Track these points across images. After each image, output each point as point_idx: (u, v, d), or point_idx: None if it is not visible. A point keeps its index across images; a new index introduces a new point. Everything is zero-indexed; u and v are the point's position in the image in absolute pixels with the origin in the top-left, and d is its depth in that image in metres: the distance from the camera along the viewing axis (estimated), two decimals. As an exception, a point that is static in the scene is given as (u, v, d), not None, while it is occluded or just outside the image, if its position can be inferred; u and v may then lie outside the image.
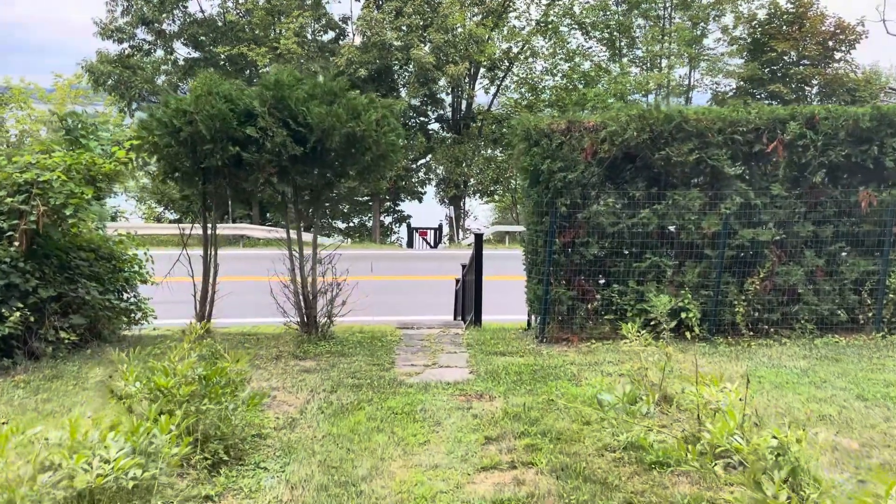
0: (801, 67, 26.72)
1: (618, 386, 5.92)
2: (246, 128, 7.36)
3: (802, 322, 8.17)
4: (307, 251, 8.31)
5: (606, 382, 6.16)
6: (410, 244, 27.11)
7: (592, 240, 8.22)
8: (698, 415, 4.59)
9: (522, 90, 28.29)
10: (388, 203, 30.04)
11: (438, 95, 28.06)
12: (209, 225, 8.25)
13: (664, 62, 28.28)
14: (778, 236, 8.06)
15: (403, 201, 30.21)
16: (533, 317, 8.84)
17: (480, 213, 34.46)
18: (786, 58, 26.87)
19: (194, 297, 8.23)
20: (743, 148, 8.04)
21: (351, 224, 30.94)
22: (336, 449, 4.73)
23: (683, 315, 8.01)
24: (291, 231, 8.34)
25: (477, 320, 9.74)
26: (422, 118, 29.31)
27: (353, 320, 13.10)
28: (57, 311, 7.49)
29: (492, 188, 28.87)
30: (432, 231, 27.23)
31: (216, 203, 8.39)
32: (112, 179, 7.80)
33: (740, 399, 4.31)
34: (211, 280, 8.20)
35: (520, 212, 29.07)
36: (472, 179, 28.05)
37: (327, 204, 8.22)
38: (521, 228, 26.93)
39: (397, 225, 30.62)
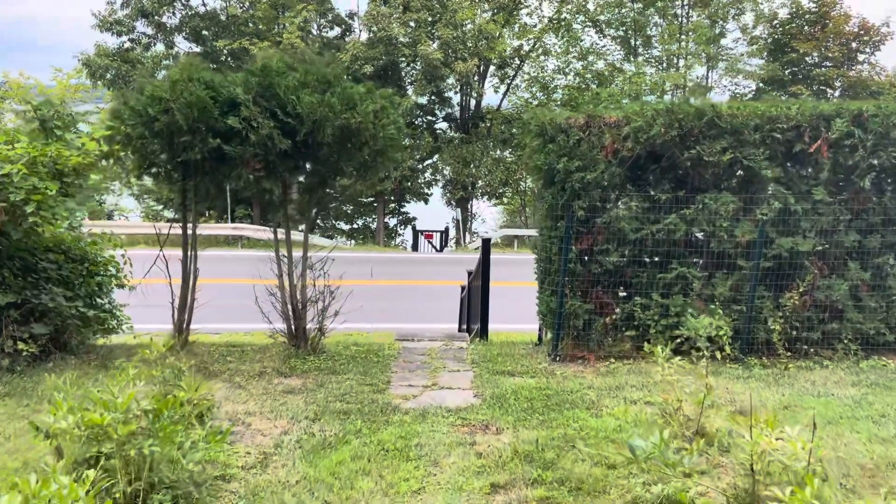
0: (823, 69, 25.80)
1: (644, 418, 5.12)
2: (228, 118, 6.59)
3: (845, 342, 7.33)
4: (298, 254, 7.53)
5: (631, 413, 5.35)
6: (415, 247, 26.34)
7: (612, 247, 7.42)
8: (751, 465, 3.78)
9: (533, 89, 27.45)
10: (393, 204, 29.24)
11: (446, 94, 27.26)
12: (189, 225, 7.48)
13: (681, 62, 27.40)
14: (819, 246, 7.23)
15: (409, 203, 29.39)
16: (545, 331, 8.03)
17: (488, 216, 33.67)
18: (807, 59, 25.96)
19: (171, 304, 7.47)
20: (782, 147, 7.21)
21: (355, 226, 30.19)
22: (310, 500, 3.94)
23: (713, 332, 7.18)
24: (280, 232, 7.57)
25: (483, 333, 8.94)
26: (429, 117, 28.51)
27: (350, 328, 12.31)
28: (17, 319, 6.74)
29: (500, 190, 28.03)
30: (438, 234, 26.47)
31: (198, 201, 7.64)
32: (80, 174, 7.04)
33: (806, 449, 3.51)
34: (191, 286, 7.43)
35: (530, 215, 28.25)
36: (480, 181, 27.22)
37: (319, 204, 7.47)
38: (530, 232, 26.11)
39: (402, 227, 29.83)
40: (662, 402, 4.70)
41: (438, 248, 25.95)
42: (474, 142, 26.55)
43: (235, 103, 6.73)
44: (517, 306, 13.23)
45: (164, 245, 7.36)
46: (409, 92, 26.15)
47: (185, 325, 7.45)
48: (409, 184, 27.24)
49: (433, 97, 27.26)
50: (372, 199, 27.61)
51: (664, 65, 27.91)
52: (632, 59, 27.93)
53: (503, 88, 28.40)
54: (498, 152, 27.77)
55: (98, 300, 7.83)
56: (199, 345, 8.01)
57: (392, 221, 29.91)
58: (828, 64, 26.21)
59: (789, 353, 7.29)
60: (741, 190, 7.34)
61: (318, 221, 29.60)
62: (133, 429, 3.55)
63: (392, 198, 27.94)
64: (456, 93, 27.75)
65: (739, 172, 7.30)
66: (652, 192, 7.41)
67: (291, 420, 5.28)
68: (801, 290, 7.20)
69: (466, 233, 27.43)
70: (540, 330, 8.41)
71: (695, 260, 7.46)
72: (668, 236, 7.35)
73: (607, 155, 7.33)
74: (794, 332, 7.31)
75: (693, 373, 5.04)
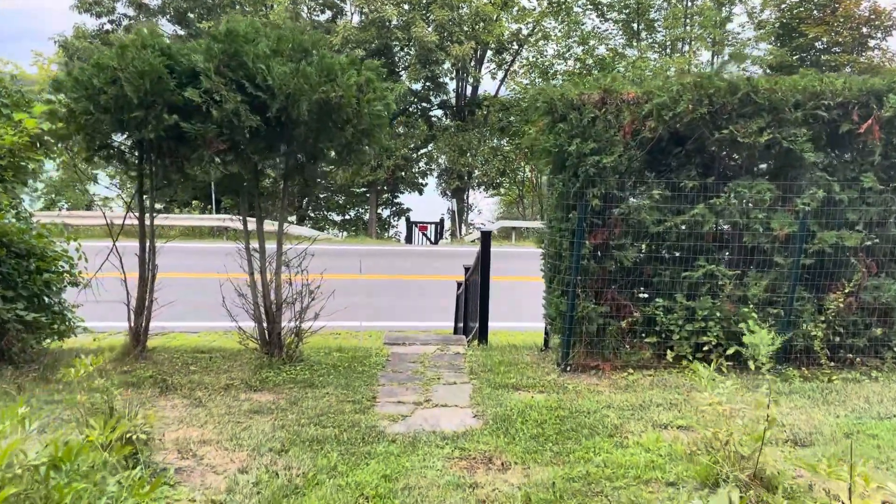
0: (832, 54, 24.85)
1: (681, 450, 4.21)
2: (186, 90, 5.63)
3: (895, 350, 6.45)
4: (272, 247, 6.59)
5: (664, 443, 4.44)
6: (409, 239, 25.38)
7: (631, 241, 6.50)
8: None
9: (532, 75, 26.40)
10: (387, 195, 28.22)
11: (441, 79, 26.20)
12: (147, 215, 6.51)
13: (685, 47, 26.38)
14: (868, 241, 6.33)
15: (403, 193, 28.38)
16: (552, 336, 7.11)
17: (485, 208, 32.70)
18: (817, 44, 25.02)
19: (127, 306, 6.52)
20: (826, 128, 6.29)
21: (347, 217, 29.16)
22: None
23: (747, 340, 6.27)
24: (250, 222, 6.62)
25: (482, 336, 8.02)
26: (423, 104, 27.45)
27: (337, 326, 11.42)
28: (-58, 324, 5.80)
29: (498, 180, 27.04)
30: (433, 226, 25.51)
31: (158, 187, 6.66)
32: (17, 155, 6.08)
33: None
34: (149, 285, 6.48)
35: (528, 206, 27.33)
36: (476, 170, 26.23)
37: (300, 193, 6.58)
38: (528, 224, 25.15)
39: (395, 218, 28.85)
40: (710, 437, 3.78)
41: (433, 240, 25.00)
42: (471, 130, 25.54)
43: (196, 73, 5.77)
44: (517, 303, 12.37)
45: (115, 238, 6.41)
46: (403, 77, 25.13)
47: (142, 330, 6.51)
48: (403, 173, 26.22)
49: (428, 83, 26.20)
50: (365, 189, 26.58)
51: (668, 50, 26.91)
52: (634, 43, 26.90)
53: (501, 74, 27.38)
54: (495, 141, 26.76)
55: (45, 300, 6.87)
56: (160, 351, 7.08)
57: (385, 212, 28.91)
58: (837, 49, 25.28)
59: (832, 363, 6.41)
60: (778, 176, 6.42)
61: (310, 212, 28.63)
62: (19, 491, 2.62)
63: (385, 188, 26.90)
64: (452, 79, 26.71)
65: (777, 156, 6.38)
66: (676, 179, 6.49)
67: (253, 452, 4.35)
68: (846, 290, 6.30)
69: (462, 224, 26.46)
70: (546, 334, 7.50)
71: (724, 256, 6.56)
72: (694, 229, 6.44)
73: (625, 136, 6.41)
74: (837, 339, 6.42)
75: (726, 380, 4.14)
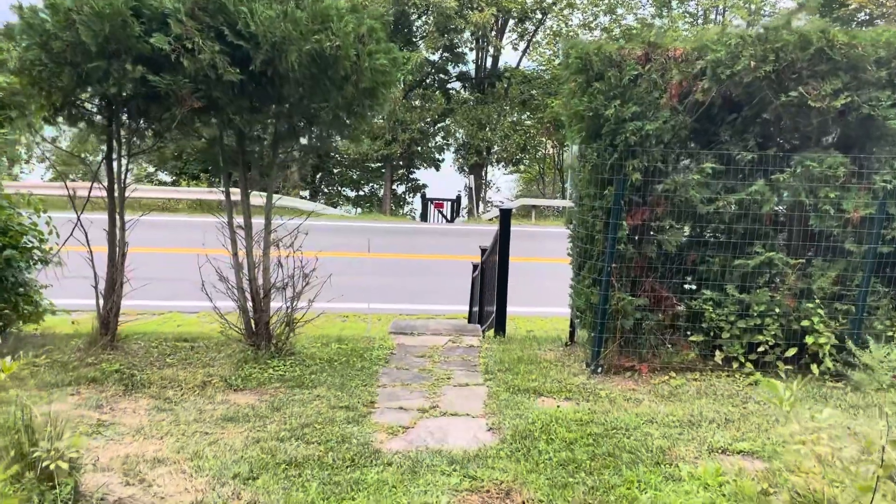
0: (876, 27, 23.33)
1: (749, 489, 3.32)
2: (153, 37, 4.75)
3: (985, 355, 5.48)
4: (260, 220, 5.75)
5: (726, 474, 3.55)
6: (424, 217, 24.47)
7: (675, 223, 5.57)
8: None
9: (556, 46, 25.17)
10: (402, 170, 27.24)
11: (460, 49, 25.02)
12: (117, 185, 5.67)
13: (719, 17, 24.96)
14: (959, 226, 5.35)
15: (419, 168, 27.37)
16: (580, 330, 6.22)
17: (503, 185, 31.61)
18: (859, 15, 23.52)
19: (95, 288, 5.71)
20: (915, 90, 5.29)
21: (361, 192, 28.25)
22: None
23: (810, 340, 5.36)
24: (235, 194, 5.77)
25: (500, 327, 7.15)
26: (441, 75, 26.32)
27: (343, 308, 10.66)
28: None
29: (518, 156, 25.93)
30: (449, 203, 24.55)
31: (133, 154, 5.81)
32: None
33: None
34: (118, 264, 5.66)
35: (562, 178, 26.13)
36: (495, 146, 25.16)
37: (296, 164, 5.73)
38: (549, 202, 24.10)
39: (411, 195, 27.86)
40: (801, 485, 2.88)
41: (449, 218, 24.06)
42: (490, 103, 24.41)
43: (168, 19, 4.88)
44: (537, 286, 11.47)
45: (80, 210, 5.58)
46: (421, 46, 24.05)
47: (111, 315, 5.70)
48: (419, 148, 25.21)
49: (446, 53, 25.06)
50: (380, 164, 25.62)
51: (701, 20, 25.51)
52: (665, 13, 25.52)
53: (523, 45, 26.12)
54: (516, 115, 25.63)
55: (5, 280, 6.09)
56: (136, 339, 6.29)
57: (400, 189, 27.95)
58: (881, 21, 23.73)
59: (911, 369, 5.46)
60: (851, 148, 5.44)
61: (323, 187, 27.79)
62: None
63: (400, 163, 25.91)
64: (471, 49, 25.53)
65: (852, 124, 5.39)
66: (729, 151, 5.53)
67: (215, 478, 3.52)
68: (931, 284, 5.34)
69: (480, 202, 25.48)
70: (572, 326, 6.61)
71: (783, 242, 5.61)
72: (749, 210, 5.49)
73: (672, 98, 5.45)
74: (918, 341, 5.46)
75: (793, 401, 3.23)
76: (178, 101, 4.95)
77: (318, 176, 26.79)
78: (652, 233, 5.60)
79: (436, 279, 13.07)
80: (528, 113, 25.28)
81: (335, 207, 25.23)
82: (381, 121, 23.48)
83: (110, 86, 4.86)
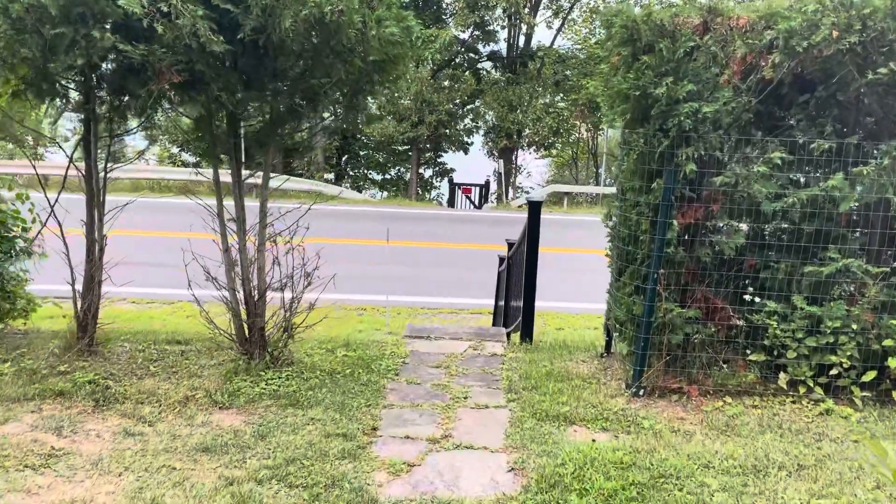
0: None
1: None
2: (123, -1, 4.06)
3: None
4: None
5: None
6: (452, 203, 23.68)
7: (734, 223, 4.76)
8: None
9: (594, 24, 24.02)
10: (429, 154, 26.42)
11: (491, 27, 24.01)
12: (96, 167, 5.02)
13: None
14: None
15: (446, 152, 26.52)
16: (618, 343, 5.43)
17: (534, 170, 30.60)
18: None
19: (72, 286, 5.08)
20: None
21: (387, 176, 27.53)
22: None
23: (893, 363, 4.52)
24: (225, 177, 5.09)
25: (526, 332, 6.41)
26: (471, 54, 25.35)
27: (361, 300, 10.03)
28: None
29: (550, 140, 24.91)
30: (477, 188, 23.71)
31: (115, 134, 5.17)
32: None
33: None
34: (96, 259, 5.03)
35: (596, 164, 25.12)
36: (526, 129, 24.18)
37: (292, 149, 5.09)
38: (582, 189, 23.13)
39: (438, 179, 27.04)
40: None
41: (477, 204, 23.24)
42: (522, 84, 23.43)
43: (145, -22, 4.18)
44: (567, 279, 10.70)
45: (59, 193, 4.95)
46: (450, 24, 23.14)
47: (89, 316, 5.09)
48: (447, 130, 24.35)
49: (476, 31, 24.07)
50: (407, 146, 24.85)
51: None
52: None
53: (557, 23, 25.00)
54: (548, 97, 24.60)
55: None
56: (120, 340, 5.68)
57: (427, 172, 27.15)
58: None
59: None
60: (952, 137, 4.56)
61: (349, 170, 27.16)
62: None
63: (427, 146, 25.08)
64: (503, 27, 24.48)
65: (954, 108, 4.50)
66: (800, 139, 4.69)
67: (168, 538, 2.87)
68: None
69: (509, 188, 24.61)
70: (608, 335, 5.83)
71: (863, 246, 4.76)
72: (822, 208, 4.65)
73: (734, 76, 4.62)
74: None
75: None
76: (156, 74, 4.26)
77: (343, 158, 26.16)
78: (706, 234, 4.79)
79: (460, 271, 12.36)
80: (562, 94, 24.22)
81: (360, 192, 24.58)
82: (408, 102, 22.70)
83: (77, 56, 4.20)
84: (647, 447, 3.90)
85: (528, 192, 25.42)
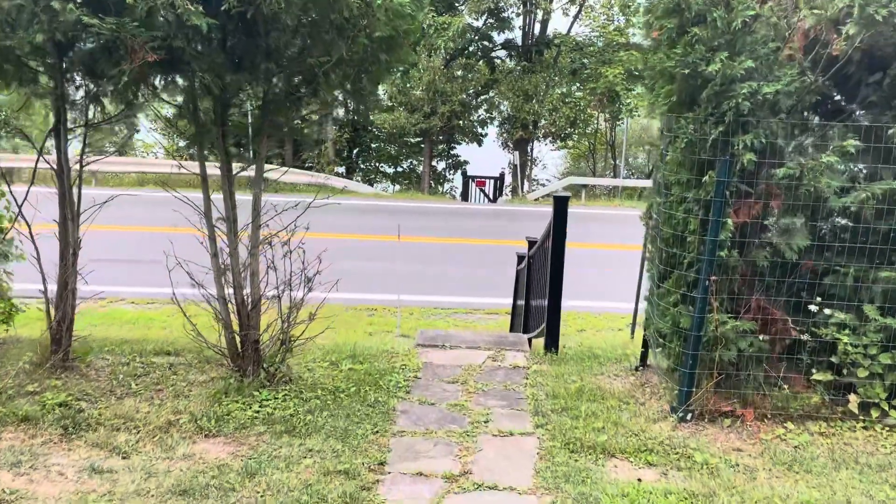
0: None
1: None
2: (88, -37, 3.48)
3: None
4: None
5: None
6: (465, 196, 23.02)
7: (797, 222, 4.12)
8: None
9: (612, 10, 23.19)
10: (442, 146, 25.71)
11: (506, 14, 23.22)
12: (66, 161, 4.46)
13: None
14: None
15: (460, 144, 25.81)
16: (661, 358, 4.79)
17: (550, 162, 29.81)
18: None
19: (44, 295, 4.53)
20: None
21: (399, 168, 26.86)
22: None
23: None
24: (211, 173, 4.51)
25: (551, 340, 5.79)
26: (484, 42, 24.58)
27: (372, 300, 9.48)
28: None
29: (567, 131, 24.12)
30: (492, 181, 23.02)
31: (92, 124, 4.60)
32: None
33: None
34: (71, 264, 4.48)
35: (617, 154, 24.32)
36: (542, 120, 23.43)
37: (291, 139, 4.57)
38: (599, 181, 22.41)
39: (451, 172, 26.33)
40: None
41: (491, 197, 22.57)
42: (538, 72, 22.68)
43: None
44: (587, 276, 10.06)
45: (26, 196, 4.40)
46: (463, 10, 22.41)
47: (63, 328, 4.53)
48: (460, 121, 23.64)
49: (490, 19, 23.31)
50: (419, 138, 24.19)
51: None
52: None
53: (574, 10, 24.18)
54: (565, 86, 23.80)
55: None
56: (103, 352, 5.10)
57: (440, 165, 26.45)
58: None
59: None
60: None
61: (360, 163, 26.54)
62: None
63: (440, 137, 24.39)
64: (518, 14, 23.70)
65: None
66: (872, 123, 4.05)
67: None
68: None
69: (525, 180, 23.90)
70: (644, 346, 5.21)
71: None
72: (900, 204, 4.01)
73: (798, 51, 3.98)
74: None
75: None
76: (129, 52, 3.68)
77: (354, 151, 25.55)
78: (764, 234, 4.16)
79: (474, 268, 11.76)
80: (579, 84, 23.45)
81: (371, 185, 23.96)
82: (420, 92, 22.04)
83: (36, 32, 3.63)
84: (704, 490, 3.29)
85: (543, 185, 24.68)
